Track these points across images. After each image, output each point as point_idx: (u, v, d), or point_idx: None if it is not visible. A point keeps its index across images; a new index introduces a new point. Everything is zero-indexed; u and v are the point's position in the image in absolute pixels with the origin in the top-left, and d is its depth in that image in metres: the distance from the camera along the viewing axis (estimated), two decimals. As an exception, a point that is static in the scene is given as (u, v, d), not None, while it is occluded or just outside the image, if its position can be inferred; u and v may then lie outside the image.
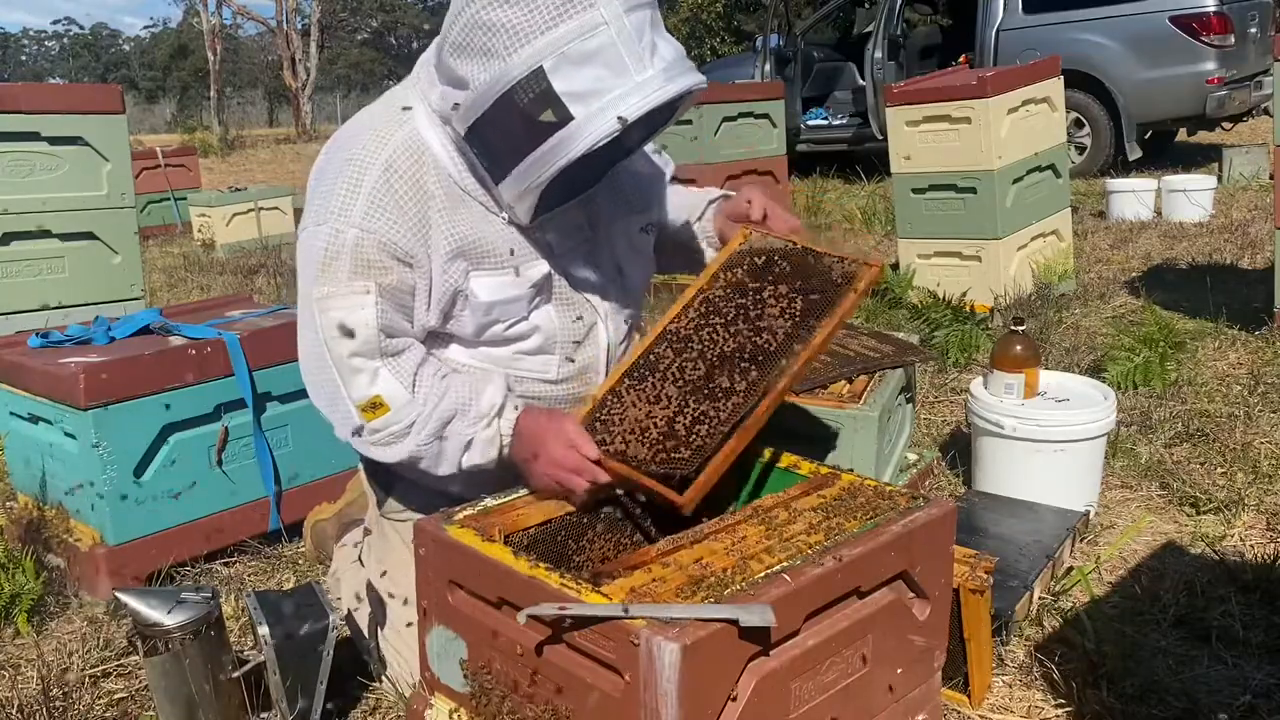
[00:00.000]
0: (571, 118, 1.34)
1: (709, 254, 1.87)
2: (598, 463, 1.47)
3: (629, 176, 1.73)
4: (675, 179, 1.95)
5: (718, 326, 1.59)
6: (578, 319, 1.68)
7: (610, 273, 1.72)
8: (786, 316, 1.57)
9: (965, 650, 1.68)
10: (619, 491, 1.58)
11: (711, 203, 1.86)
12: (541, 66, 1.33)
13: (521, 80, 1.35)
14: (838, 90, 9.77)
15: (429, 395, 1.55)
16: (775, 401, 1.49)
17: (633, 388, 1.56)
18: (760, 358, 1.53)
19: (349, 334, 1.51)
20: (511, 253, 1.60)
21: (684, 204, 1.89)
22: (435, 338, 1.64)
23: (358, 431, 1.57)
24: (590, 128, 1.34)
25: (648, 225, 1.78)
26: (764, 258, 1.67)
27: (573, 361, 1.70)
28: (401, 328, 1.57)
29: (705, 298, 1.65)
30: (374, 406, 1.53)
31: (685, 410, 1.50)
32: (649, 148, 1.79)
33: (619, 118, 1.34)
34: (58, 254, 3.47)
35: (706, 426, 1.47)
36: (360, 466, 1.93)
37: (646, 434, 1.49)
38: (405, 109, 1.58)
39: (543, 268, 1.62)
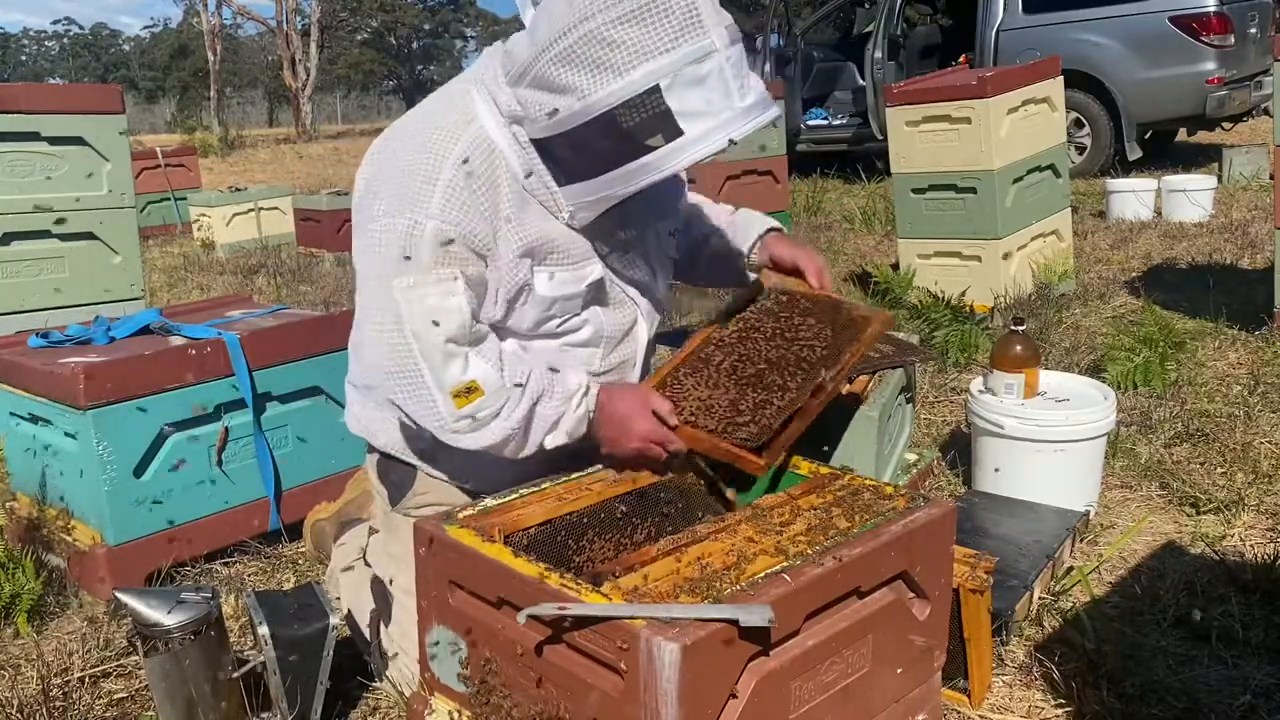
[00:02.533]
0: (681, 133, 1.42)
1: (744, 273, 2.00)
2: (675, 430, 1.59)
3: (658, 186, 1.77)
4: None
5: (759, 339, 1.75)
6: (622, 316, 1.77)
7: (646, 273, 1.80)
8: (820, 340, 1.73)
9: (965, 650, 1.68)
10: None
11: (761, 236, 1.96)
12: (658, 85, 1.40)
13: (638, 95, 1.41)
14: (838, 90, 9.77)
15: (513, 379, 1.60)
16: (827, 399, 1.65)
17: (690, 375, 1.70)
18: (805, 365, 1.67)
19: (441, 321, 1.54)
20: (570, 252, 1.66)
21: (731, 224, 1.99)
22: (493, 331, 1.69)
23: (443, 419, 1.58)
24: (701, 145, 1.43)
25: (674, 230, 1.89)
26: (788, 296, 1.85)
27: (614, 356, 1.78)
28: (479, 315, 1.61)
29: (740, 319, 1.81)
30: (468, 391, 1.56)
31: (745, 397, 1.63)
32: None
33: (730, 139, 1.44)
34: (58, 254, 3.47)
35: (768, 410, 1.60)
36: (369, 464, 1.92)
37: (713, 410, 1.62)
38: (465, 111, 1.59)
39: (597, 268, 1.69)
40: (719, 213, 2.01)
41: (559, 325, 1.70)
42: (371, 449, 1.89)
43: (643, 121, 1.44)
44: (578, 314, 1.71)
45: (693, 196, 2.03)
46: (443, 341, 1.54)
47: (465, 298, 1.55)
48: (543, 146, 1.56)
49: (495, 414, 1.57)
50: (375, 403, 1.81)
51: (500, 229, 1.58)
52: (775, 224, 1.98)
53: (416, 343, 1.54)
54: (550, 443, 1.62)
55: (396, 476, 1.85)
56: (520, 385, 1.59)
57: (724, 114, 1.43)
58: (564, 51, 1.43)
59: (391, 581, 1.82)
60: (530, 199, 1.61)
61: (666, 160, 1.44)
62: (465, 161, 1.54)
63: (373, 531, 1.94)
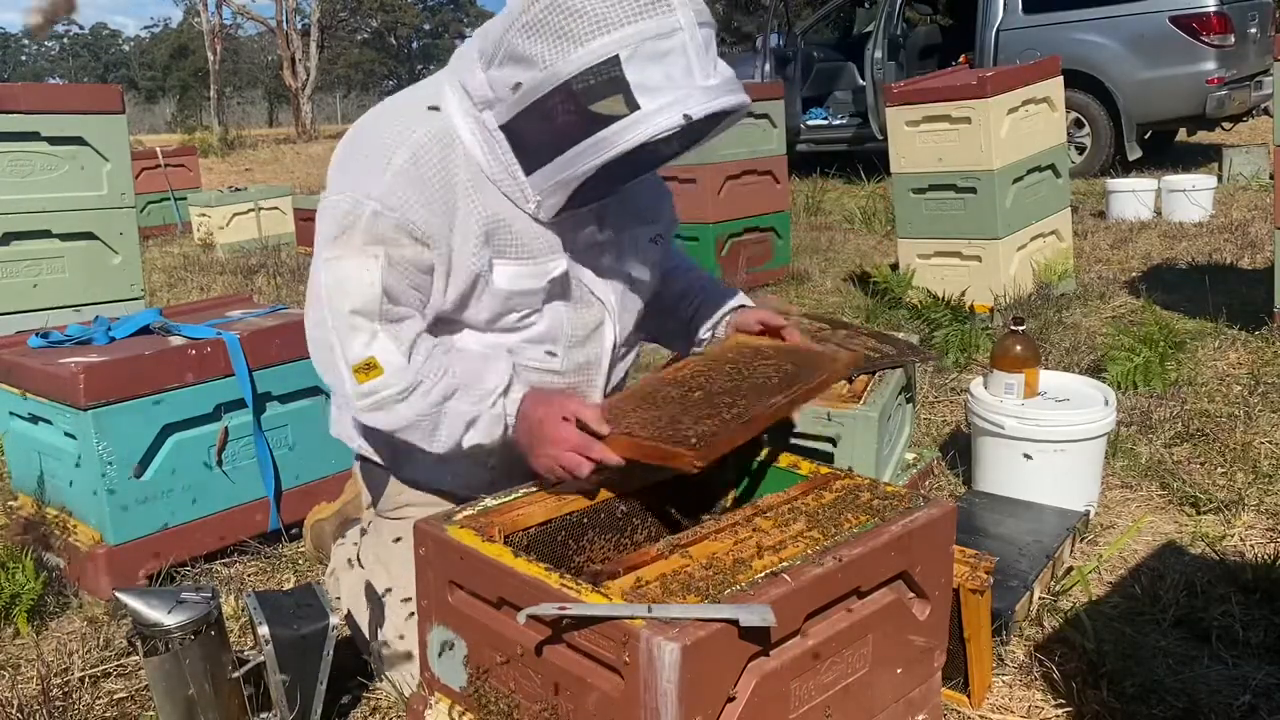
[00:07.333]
0: (638, 108, 1.39)
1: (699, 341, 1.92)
2: (606, 440, 1.48)
3: (640, 191, 1.77)
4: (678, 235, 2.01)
5: (714, 375, 1.65)
6: (587, 315, 1.73)
7: (620, 276, 1.76)
8: (778, 373, 1.64)
9: (965, 650, 1.68)
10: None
11: (730, 312, 1.89)
12: (617, 55, 1.38)
13: (596, 65, 1.39)
14: (838, 90, 9.78)
15: (431, 367, 1.57)
16: (777, 415, 1.54)
17: (634, 402, 1.59)
18: (757, 389, 1.59)
19: (351, 292, 1.54)
20: (534, 245, 1.63)
21: (701, 293, 1.93)
22: (447, 323, 1.67)
23: (348, 393, 1.57)
24: (656, 119, 1.39)
25: (656, 236, 1.84)
26: (753, 349, 1.76)
27: (577, 355, 1.74)
28: (407, 298, 1.59)
29: (696, 358, 1.74)
30: (368, 368, 1.55)
31: (689, 413, 1.52)
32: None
33: (685, 115, 1.39)
34: (58, 254, 3.48)
35: (712, 420, 1.49)
36: (355, 467, 1.93)
37: (650, 424, 1.51)
38: (434, 102, 1.60)
39: (561, 264, 1.66)
40: (692, 279, 1.95)
41: (518, 320, 1.67)
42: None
43: (603, 97, 1.41)
44: (537, 310, 1.67)
45: (676, 253, 1.98)
46: (347, 312, 1.54)
47: (380, 273, 1.54)
48: (513, 135, 1.54)
49: (399, 397, 1.55)
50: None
51: (455, 218, 1.57)
52: (741, 301, 1.91)
53: (329, 313, 1.55)
54: (468, 441, 1.58)
55: (374, 480, 1.86)
56: (435, 375, 1.56)
57: (683, 90, 1.40)
58: (531, 21, 1.43)
59: (375, 582, 1.83)
60: (493, 188, 1.59)
61: (621, 135, 1.40)
62: (417, 150, 1.54)
63: (363, 533, 1.95)
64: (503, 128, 1.54)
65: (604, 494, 1.59)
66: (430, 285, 1.60)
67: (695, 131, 1.55)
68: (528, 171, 1.55)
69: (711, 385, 1.61)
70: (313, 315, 1.60)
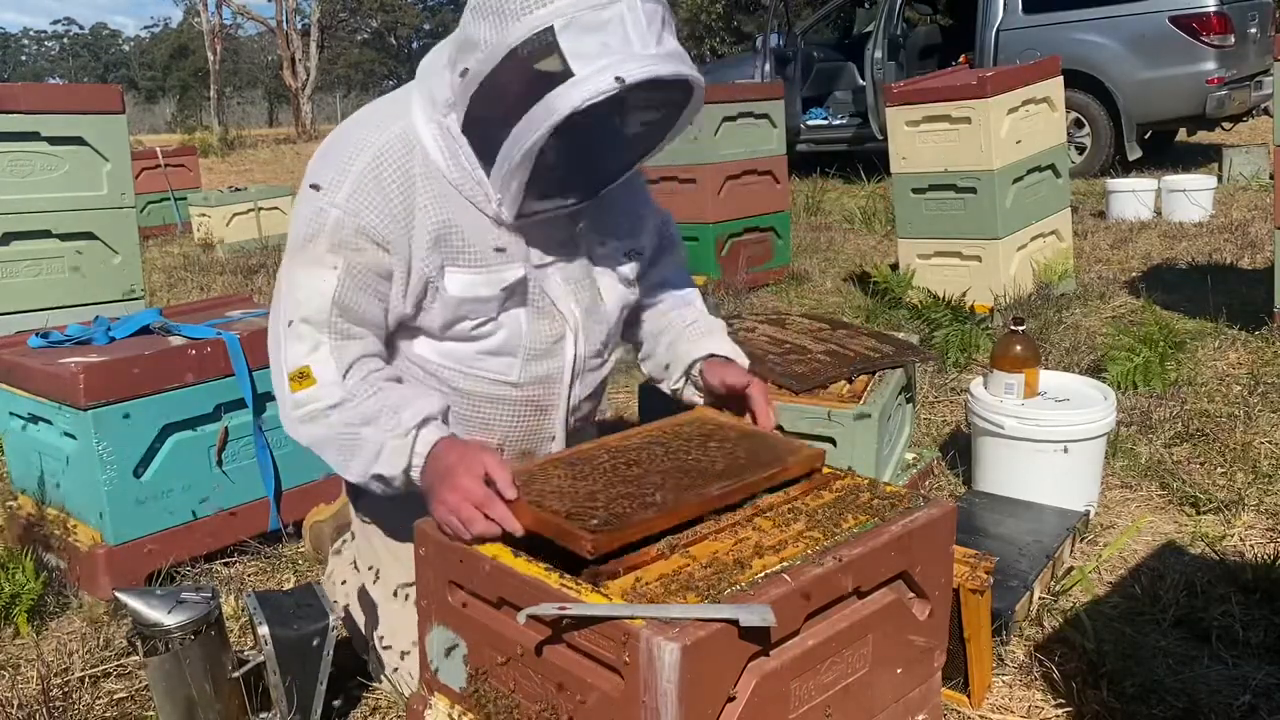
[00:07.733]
0: (572, 74, 1.38)
1: (675, 374, 1.83)
2: (512, 505, 1.36)
3: (618, 205, 1.76)
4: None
5: (658, 452, 1.57)
6: (548, 327, 1.69)
7: (588, 290, 1.73)
8: (726, 461, 1.54)
9: (965, 650, 1.68)
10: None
11: (698, 360, 1.79)
12: (552, 25, 1.38)
13: (530, 37, 1.39)
14: (838, 90, 9.78)
15: (360, 388, 1.54)
16: (701, 510, 1.42)
17: (563, 469, 1.51)
18: (693, 475, 1.49)
19: (304, 300, 1.54)
20: (489, 252, 1.61)
21: (681, 329, 1.84)
22: (404, 329, 1.66)
23: (284, 400, 1.57)
24: (586, 84, 1.37)
25: (632, 251, 1.80)
26: (714, 425, 1.67)
27: (535, 368, 1.70)
28: (363, 312, 1.57)
29: (651, 435, 1.64)
30: (301, 376, 1.54)
31: (608, 491, 1.43)
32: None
33: (617, 77, 1.36)
34: (58, 254, 3.48)
35: (626, 503, 1.39)
36: None
37: (565, 496, 1.41)
38: (401, 108, 1.61)
39: (518, 271, 1.63)
40: (672, 319, 1.86)
41: (472, 328, 1.64)
42: None
43: (544, 74, 1.39)
44: (493, 318, 1.64)
45: (669, 272, 1.92)
46: (298, 319, 1.54)
47: (335, 284, 1.54)
48: (472, 135, 1.53)
49: (324, 412, 1.54)
50: None
51: (413, 221, 1.56)
52: (712, 350, 1.78)
53: (282, 318, 1.56)
54: (376, 470, 1.52)
55: (350, 485, 1.85)
56: (361, 397, 1.53)
57: (619, 56, 1.38)
58: (475, 5, 1.45)
59: (374, 587, 1.83)
60: (452, 191, 1.58)
61: (554, 103, 1.38)
62: (379, 154, 1.55)
63: (352, 536, 1.95)
64: (464, 130, 1.54)
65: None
66: (390, 291, 1.59)
67: (654, 121, 1.56)
68: (488, 172, 1.54)
69: (651, 462, 1.53)
70: (271, 316, 1.61)
